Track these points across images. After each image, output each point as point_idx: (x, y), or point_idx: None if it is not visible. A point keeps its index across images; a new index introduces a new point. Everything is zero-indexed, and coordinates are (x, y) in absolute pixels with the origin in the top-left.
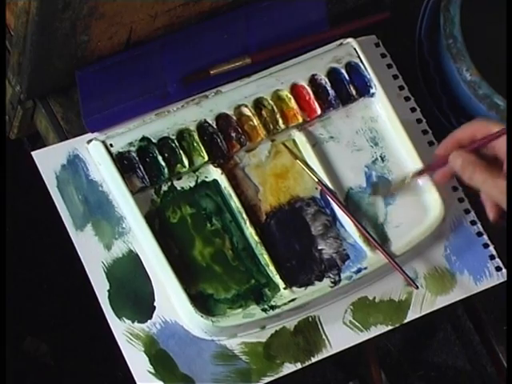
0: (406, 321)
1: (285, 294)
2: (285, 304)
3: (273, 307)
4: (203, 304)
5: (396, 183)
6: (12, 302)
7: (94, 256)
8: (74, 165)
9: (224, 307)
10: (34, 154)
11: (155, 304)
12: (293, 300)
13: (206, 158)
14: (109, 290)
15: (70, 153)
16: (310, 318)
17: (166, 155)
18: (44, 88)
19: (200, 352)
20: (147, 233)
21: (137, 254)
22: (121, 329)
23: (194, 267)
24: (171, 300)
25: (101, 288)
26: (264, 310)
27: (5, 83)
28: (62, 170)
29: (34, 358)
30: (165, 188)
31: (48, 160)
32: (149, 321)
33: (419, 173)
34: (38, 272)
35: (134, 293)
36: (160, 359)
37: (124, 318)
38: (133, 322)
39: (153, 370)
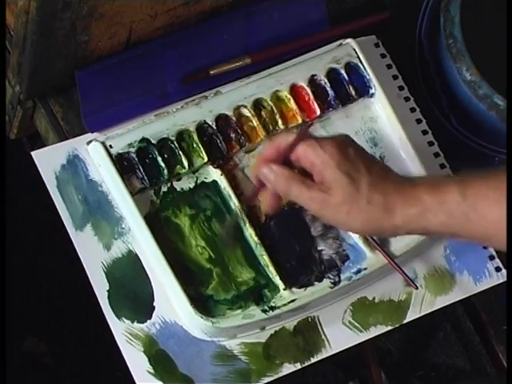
0: (405, 321)
1: (284, 295)
2: (284, 305)
3: (272, 308)
4: (203, 305)
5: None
6: (12, 302)
7: (93, 256)
8: (74, 165)
9: (224, 308)
10: (33, 154)
11: (155, 304)
12: (292, 301)
13: (206, 158)
14: (108, 290)
15: (69, 153)
16: (310, 319)
17: (166, 156)
18: (44, 88)
19: (199, 352)
20: (147, 234)
21: (136, 254)
22: (120, 329)
23: (194, 268)
24: (171, 301)
25: (100, 288)
26: (264, 311)
27: (5, 83)
28: (61, 170)
29: (34, 358)
30: (164, 189)
31: (48, 160)
32: (148, 321)
33: (245, 202)
34: (38, 272)
35: (134, 293)
36: (159, 359)
37: (123, 318)
38: (132, 322)
39: (152, 370)
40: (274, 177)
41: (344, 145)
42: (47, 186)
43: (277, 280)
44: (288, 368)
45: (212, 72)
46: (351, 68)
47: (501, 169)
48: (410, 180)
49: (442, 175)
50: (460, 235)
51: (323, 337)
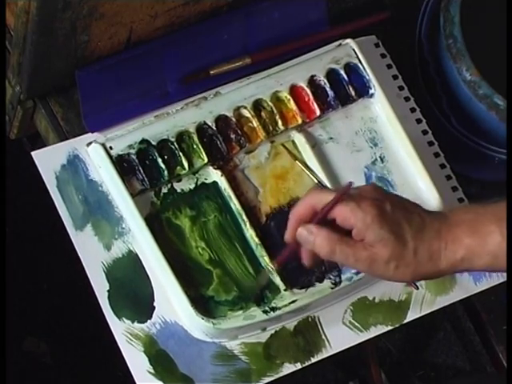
0: (405, 321)
1: (285, 296)
2: (285, 306)
3: (273, 309)
4: (204, 306)
5: (263, 276)
6: (12, 302)
7: (93, 256)
8: (74, 165)
9: (225, 309)
10: (33, 154)
11: (155, 304)
12: (293, 301)
13: (206, 159)
14: (108, 290)
15: (69, 153)
16: (310, 319)
17: (166, 157)
18: (44, 88)
19: (200, 352)
20: (147, 235)
21: (136, 255)
22: (120, 329)
23: (195, 270)
24: (172, 302)
25: (100, 288)
26: (265, 312)
27: (5, 83)
28: (61, 170)
29: (34, 358)
30: (165, 190)
31: (48, 160)
32: (148, 321)
33: (278, 261)
34: (37, 272)
35: (134, 293)
36: (160, 359)
37: (124, 318)
38: (132, 322)
39: (152, 370)
40: (315, 240)
41: (380, 200)
42: (47, 185)
43: (277, 281)
44: (288, 368)
45: (212, 72)
46: (351, 68)
47: None
48: (447, 221)
49: (477, 206)
50: (502, 269)
51: (323, 337)
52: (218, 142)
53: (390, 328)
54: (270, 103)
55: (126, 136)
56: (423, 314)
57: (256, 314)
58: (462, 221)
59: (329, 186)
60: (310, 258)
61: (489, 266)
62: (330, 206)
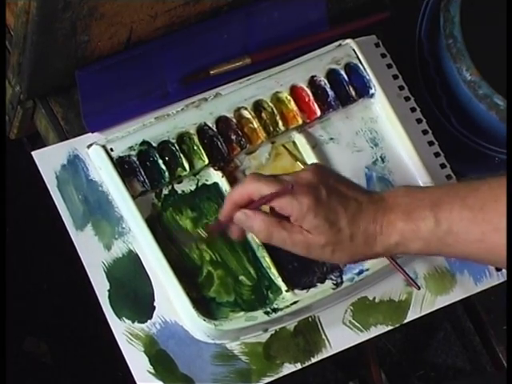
0: (405, 321)
1: (287, 297)
2: (287, 306)
3: (275, 310)
4: (205, 308)
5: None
6: (12, 302)
7: (94, 256)
8: (74, 165)
9: (226, 310)
10: (34, 154)
11: (155, 304)
12: (295, 302)
13: (207, 161)
14: (109, 290)
15: (69, 153)
16: (310, 319)
17: (167, 159)
18: (44, 88)
19: (200, 352)
20: (148, 237)
21: (137, 254)
22: (121, 329)
23: (196, 271)
24: (173, 303)
25: (101, 288)
26: (266, 313)
27: (5, 83)
28: (61, 170)
29: (33, 358)
30: (165, 192)
31: (48, 160)
32: (149, 321)
33: (210, 229)
34: (38, 272)
35: (134, 293)
36: (160, 359)
37: (124, 318)
38: (133, 322)
39: (153, 370)
40: (253, 224)
41: (315, 188)
42: (47, 185)
43: (279, 282)
44: (288, 368)
45: (212, 72)
46: (351, 68)
47: (477, 182)
48: (383, 204)
49: (416, 189)
50: (444, 255)
51: (324, 337)
52: (219, 143)
53: (390, 328)
54: (270, 104)
55: (126, 138)
56: (423, 313)
57: (258, 315)
58: (398, 205)
59: None
60: (240, 233)
61: (422, 250)
62: (267, 199)
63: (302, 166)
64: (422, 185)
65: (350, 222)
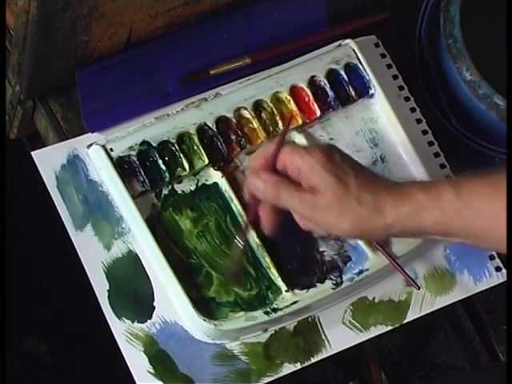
0: (405, 321)
1: (287, 297)
2: (287, 306)
3: (275, 310)
4: (205, 307)
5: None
6: (12, 302)
7: (93, 256)
8: (74, 165)
9: (226, 310)
10: (33, 154)
11: (155, 304)
12: (295, 302)
13: (207, 161)
14: (108, 290)
15: (69, 153)
16: (310, 319)
17: (167, 159)
18: (44, 88)
19: (199, 352)
20: (149, 237)
21: (136, 254)
22: (120, 329)
23: (196, 271)
24: (173, 303)
25: (100, 288)
26: (266, 313)
27: (5, 83)
28: (61, 170)
29: (33, 358)
30: (165, 192)
31: (48, 160)
32: (148, 321)
33: (243, 231)
34: (38, 272)
35: (134, 293)
36: (160, 359)
37: (124, 318)
38: (132, 321)
39: (152, 370)
40: (262, 184)
41: (330, 151)
42: (47, 186)
43: (279, 282)
44: (288, 368)
45: (212, 72)
46: (351, 69)
47: (498, 169)
48: (400, 182)
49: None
50: (455, 234)
51: (323, 337)
52: (219, 143)
53: (390, 328)
54: (270, 104)
55: (126, 138)
56: (423, 313)
57: (257, 315)
58: (417, 182)
59: None
60: (269, 217)
61: (439, 223)
62: (274, 150)
63: None
64: None
65: (360, 184)
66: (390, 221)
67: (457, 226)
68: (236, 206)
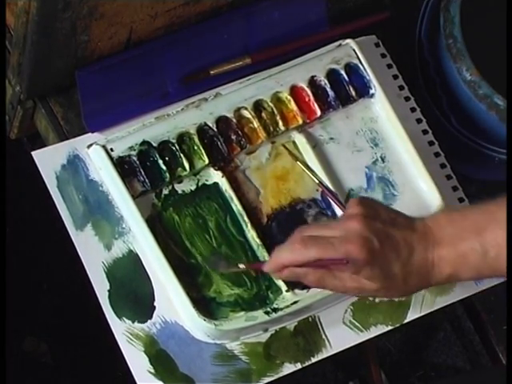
0: (405, 321)
1: (287, 297)
2: (287, 306)
3: (275, 310)
4: (205, 308)
5: (232, 266)
6: (12, 302)
7: (94, 256)
8: (74, 165)
9: (226, 310)
10: (34, 154)
11: (155, 304)
12: (295, 302)
13: (207, 161)
14: (109, 290)
15: (69, 153)
16: (310, 319)
17: (167, 159)
18: (44, 88)
19: (200, 352)
20: (149, 237)
21: (137, 254)
22: (121, 329)
23: (196, 271)
24: (173, 303)
25: (101, 288)
26: (266, 313)
27: (5, 83)
28: (61, 170)
29: (33, 358)
30: (166, 192)
31: (48, 160)
32: (149, 321)
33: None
34: (38, 272)
35: (134, 293)
36: (160, 359)
37: (124, 318)
38: (133, 321)
39: (153, 370)
40: (304, 277)
41: (367, 241)
42: (47, 185)
43: (279, 282)
44: (288, 368)
45: (212, 72)
46: (351, 68)
47: (504, 200)
48: (430, 239)
49: (456, 216)
50: (497, 277)
51: (324, 336)
52: (219, 143)
53: (390, 328)
54: (270, 104)
55: (126, 138)
56: (423, 313)
57: (258, 315)
58: (444, 237)
59: (330, 186)
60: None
61: (475, 278)
62: (319, 266)
63: (302, 166)
64: (422, 185)
65: (403, 266)
66: (432, 283)
67: (494, 274)
68: (236, 205)
